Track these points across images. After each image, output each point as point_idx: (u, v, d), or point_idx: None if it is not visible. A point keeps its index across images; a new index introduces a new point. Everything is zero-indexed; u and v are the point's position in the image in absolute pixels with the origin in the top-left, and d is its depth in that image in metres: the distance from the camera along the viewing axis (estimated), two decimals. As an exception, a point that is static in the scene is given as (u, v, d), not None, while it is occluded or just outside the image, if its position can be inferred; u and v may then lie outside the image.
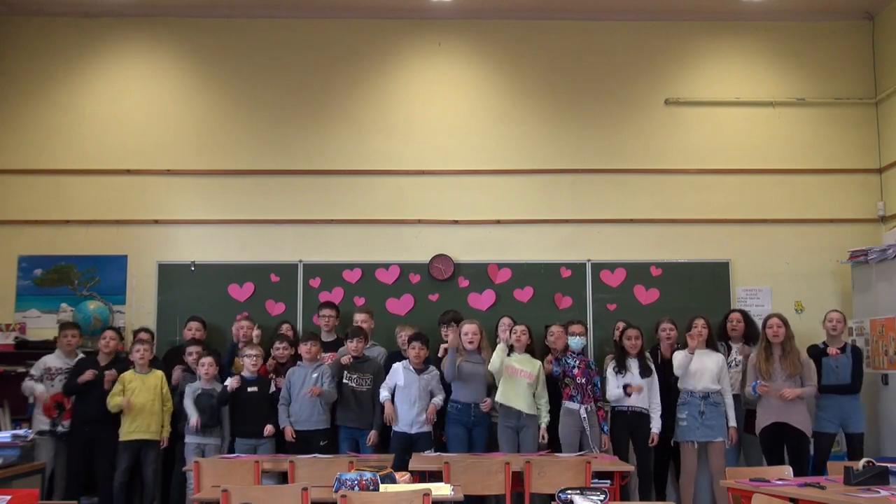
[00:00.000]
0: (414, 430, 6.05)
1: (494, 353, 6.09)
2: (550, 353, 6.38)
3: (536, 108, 7.72)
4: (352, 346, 6.23)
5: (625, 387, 6.11)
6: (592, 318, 7.33)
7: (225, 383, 6.07)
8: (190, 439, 6.07)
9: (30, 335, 7.15)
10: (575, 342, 6.17)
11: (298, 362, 6.32)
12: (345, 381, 6.20)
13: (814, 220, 7.61)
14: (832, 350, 6.30)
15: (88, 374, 6.14)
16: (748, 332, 6.61)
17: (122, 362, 6.38)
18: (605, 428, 6.09)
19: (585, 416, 5.98)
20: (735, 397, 6.29)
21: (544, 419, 6.09)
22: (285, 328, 6.83)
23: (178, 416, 6.25)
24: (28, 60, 7.64)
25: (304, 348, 6.25)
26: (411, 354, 6.16)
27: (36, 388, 6.30)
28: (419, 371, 6.16)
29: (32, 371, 6.39)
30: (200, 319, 6.86)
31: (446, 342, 6.28)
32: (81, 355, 6.51)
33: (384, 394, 6.11)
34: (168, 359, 6.73)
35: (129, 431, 6.10)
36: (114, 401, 6.08)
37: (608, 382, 6.22)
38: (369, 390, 6.20)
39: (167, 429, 6.22)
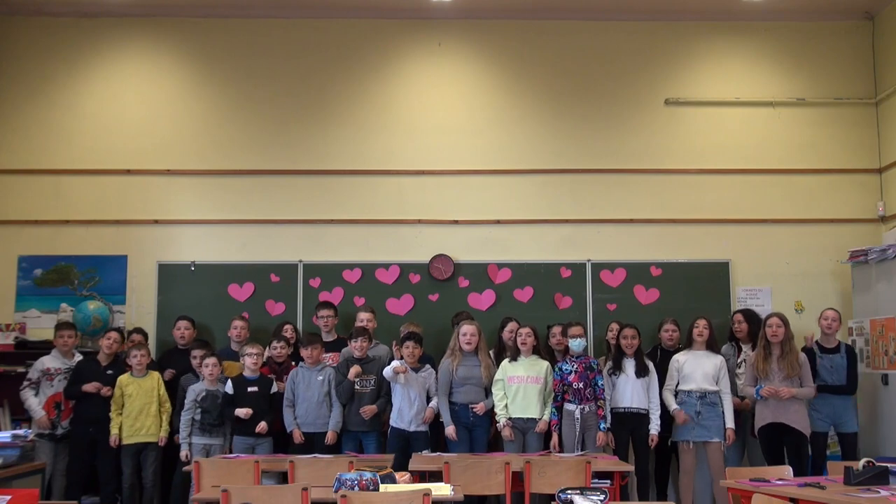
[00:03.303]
0: (412, 429, 6.05)
1: (494, 395, 6.07)
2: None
3: (536, 108, 7.72)
4: (356, 345, 6.22)
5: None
6: (592, 318, 7.34)
7: (237, 412, 6.03)
8: (196, 440, 6.08)
9: (30, 335, 7.14)
10: (575, 344, 6.16)
11: (301, 363, 6.31)
12: None
13: (814, 220, 7.61)
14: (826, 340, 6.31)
15: (91, 387, 6.16)
16: (752, 331, 6.57)
17: (121, 365, 6.37)
18: (603, 426, 6.02)
19: (579, 416, 5.97)
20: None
21: (547, 413, 6.07)
22: (288, 329, 6.81)
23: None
24: (28, 60, 7.63)
25: (305, 352, 6.24)
26: (405, 354, 6.16)
27: (32, 406, 6.28)
28: (415, 370, 6.16)
29: (30, 375, 6.38)
30: (190, 318, 6.85)
31: (450, 342, 6.34)
32: (79, 356, 6.51)
33: (387, 369, 6.07)
34: (164, 360, 6.71)
35: (128, 435, 6.13)
36: (112, 429, 6.13)
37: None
38: (373, 391, 6.18)
39: (166, 428, 6.23)
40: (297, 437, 6.07)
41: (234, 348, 6.65)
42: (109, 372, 6.28)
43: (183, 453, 6.03)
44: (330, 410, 6.15)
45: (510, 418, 6.01)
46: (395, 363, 6.08)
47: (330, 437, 6.07)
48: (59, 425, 6.29)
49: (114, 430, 6.13)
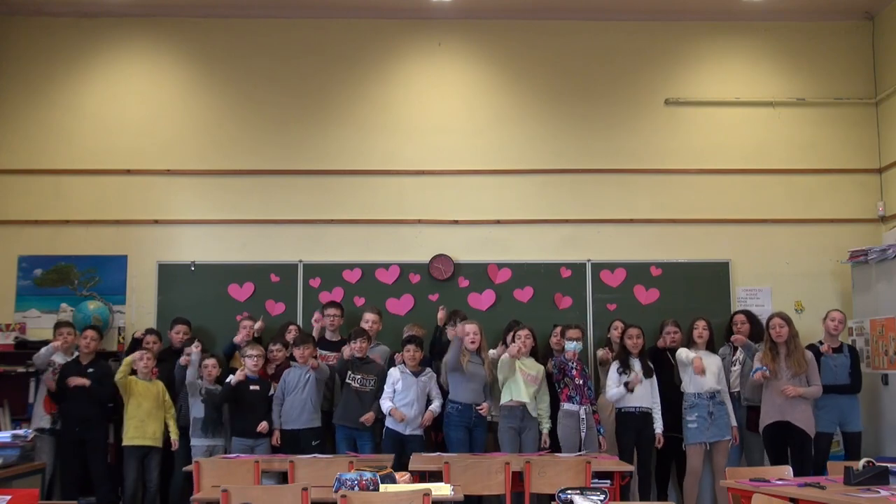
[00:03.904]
0: (407, 432, 6.05)
1: (502, 360, 6.07)
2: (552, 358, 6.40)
3: (536, 108, 7.72)
4: (355, 346, 6.23)
5: (625, 384, 6.11)
6: (592, 318, 7.33)
7: (228, 379, 6.06)
8: (197, 441, 6.10)
9: (30, 335, 7.14)
10: (571, 346, 6.16)
11: (293, 363, 6.32)
12: (348, 381, 6.20)
13: (814, 220, 7.61)
14: (824, 347, 6.32)
15: (76, 381, 6.15)
16: (753, 332, 6.58)
17: (103, 364, 6.37)
18: (602, 430, 6.11)
19: (584, 416, 5.99)
20: (735, 396, 6.34)
21: (546, 425, 6.10)
22: (292, 329, 6.78)
23: (181, 418, 6.28)
24: (28, 60, 7.63)
25: (298, 351, 6.24)
26: (406, 357, 6.17)
27: (50, 346, 6.30)
28: (415, 373, 6.17)
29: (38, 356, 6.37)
30: (186, 321, 6.83)
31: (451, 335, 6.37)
32: (77, 354, 6.50)
33: (386, 404, 6.07)
34: (161, 360, 6.69)
35: (134, 437, 6.13)
36: (122, 372, 6.10)
37: (608, 383, 6.21)
38: (372, 391, 6.19)
39: (175, 431, 6.24)
40: (274, 439, 6.08)
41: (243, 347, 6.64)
42: (91, 370, 6.29)
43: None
44: (315, 409, 6.16)
45: (507, 404, 6.02)
46: (386, 405, 6.07)
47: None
48: (59, 421, 6.29)
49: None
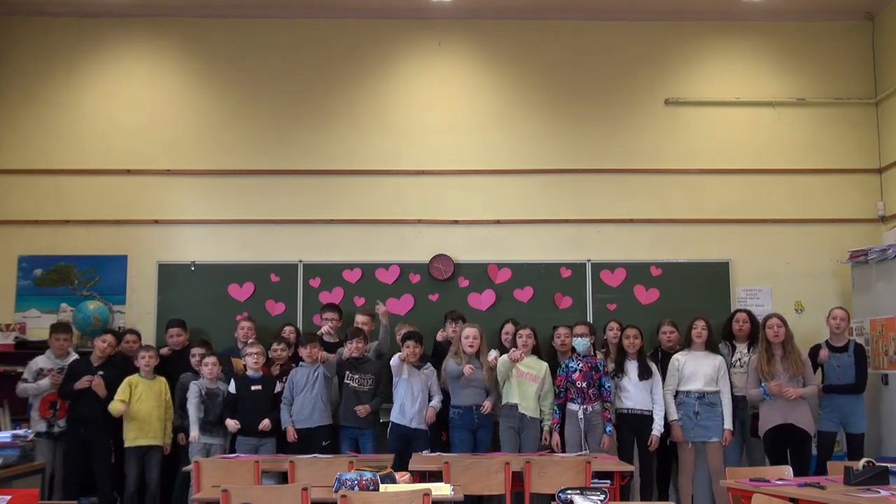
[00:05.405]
0: (414, 425, 6.06)
1: (499, 363, 6.09)
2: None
3: (536, 108, 7.72)
4: (351, 346, 6.23)
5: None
6: (592, 318, 7.32)
7: (227, 422, 6.04)
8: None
9: (30, 335, 7.15)
10: (579, 344, 6.16)
11: (300, 363, 6.32)
12: (346, 381, 6.21)
13: (814, 220, 7.61)
14: (823, 353, 6.30)
15: (83, 382, 6.12)
16: (754, 332, 6.56)
17: (115, 365, 6.36)
18: (609, 429, 6.04)
19: (582, 416, 5.98)
20: (741, 398, 6.29)
21: (547, 422, 6.10)
22: (287, 330, 6.80)
23: (182, 416, 6.27)
24: (28, 60, 7.64)
25: (304, 351, 6.24)
26: (406, 353, 6.17)
27: (40, 385, 6.28)
28: (416, 368, 6.18)
29: (25, 375, 6.37)
30: (180, 323, 6.81)
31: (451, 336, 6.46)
32: (75, 356, 6.50)
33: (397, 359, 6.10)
34: (164, 360, 6.69)
35: (135, 438, 6.12)
36: (115, 406, 6.07)
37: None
38: (371, 390, 6.21)
39: (169, 435, 6.25)
40: (291, 436, 6.07)
41: (241, 348, 6.64)
42: (101, 372, 6.27)
43: (194, 434, 6.01)
44: (325, 407, 6.16)
45: (506, 404, 6.06)
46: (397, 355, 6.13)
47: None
48: (55, 424, 6.28)
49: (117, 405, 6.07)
